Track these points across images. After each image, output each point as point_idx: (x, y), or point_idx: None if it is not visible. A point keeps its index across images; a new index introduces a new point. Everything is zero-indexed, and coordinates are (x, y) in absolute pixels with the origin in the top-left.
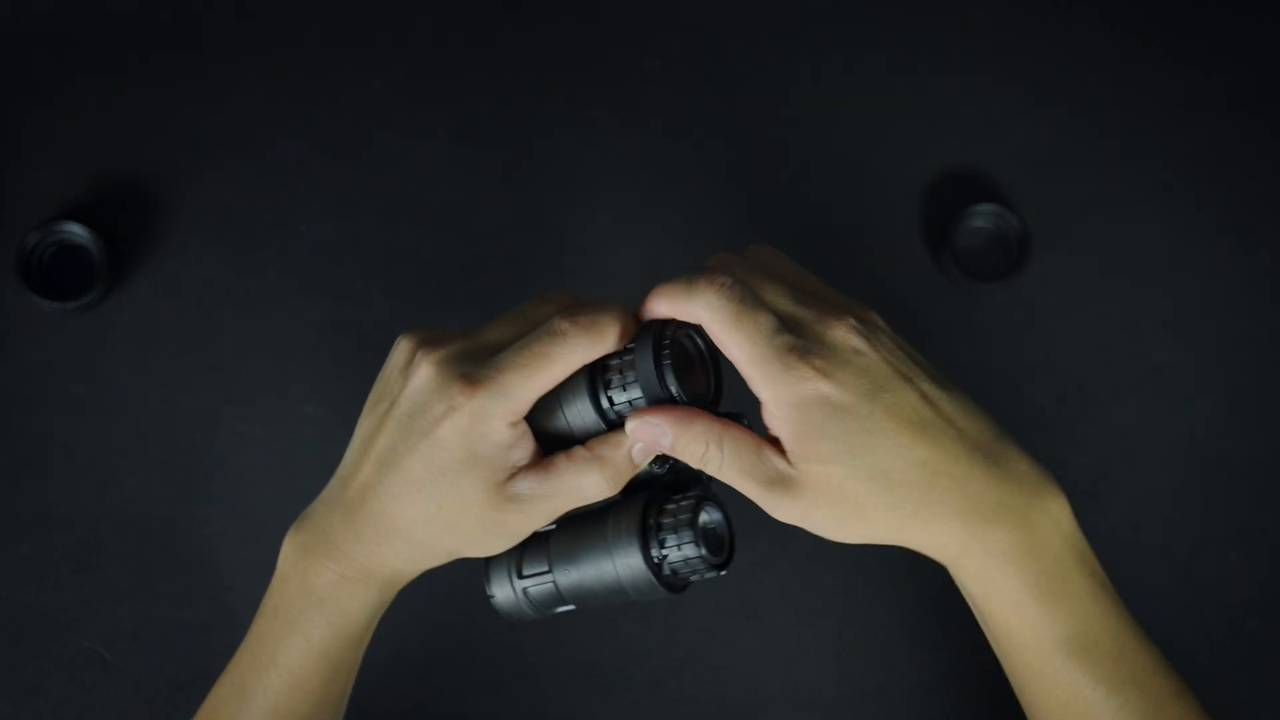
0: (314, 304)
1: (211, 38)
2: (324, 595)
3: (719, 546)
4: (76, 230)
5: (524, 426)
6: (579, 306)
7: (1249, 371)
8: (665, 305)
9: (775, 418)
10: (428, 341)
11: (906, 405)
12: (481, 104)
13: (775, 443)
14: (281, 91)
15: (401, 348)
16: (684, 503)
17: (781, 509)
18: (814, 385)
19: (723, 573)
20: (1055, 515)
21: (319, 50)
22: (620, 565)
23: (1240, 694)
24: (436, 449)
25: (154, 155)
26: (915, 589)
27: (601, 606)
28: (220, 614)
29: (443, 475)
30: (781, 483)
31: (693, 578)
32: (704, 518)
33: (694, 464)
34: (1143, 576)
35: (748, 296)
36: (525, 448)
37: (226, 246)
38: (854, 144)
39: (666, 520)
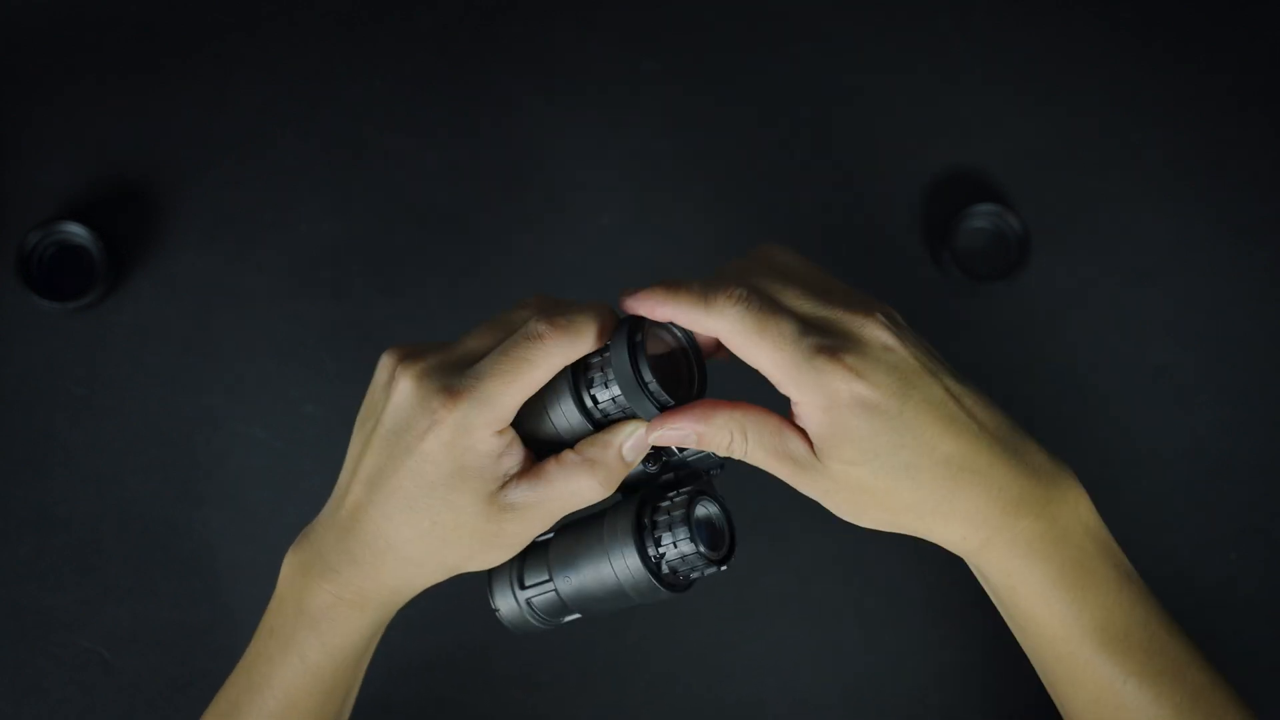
0: (314, 304)
1: (211, 38)
2: (319, 617)
3: (718, 541)
4: (76, 230)
5: (512, 434)
6: (556, 308)
7: (1249, 372)
8: (680, 316)
9: (806, 419)
10: (408, 356)
11: (934, 401)
12: (482, 104)
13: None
14: (281, 91)
15: (384, 364)
16: (678, 499)
17: (807, 487)
18: (847, 385)
19: (724, 568)
20: (1075, 505)
21: (319, 50)
22: (619, 567)
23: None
24: (424, 464)
25: (154, 155)
26: (917, 589)
27: (606, 612)
28: (220, 614)
29: (433, 490)
30: (806, 465)
31: (693, 575)
32: (699, 512)
33: (721, 452)
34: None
35: (766, 304)
36: (515, 455)
37: (226, 246)
38: (854, 144)
39: (661, 517)
